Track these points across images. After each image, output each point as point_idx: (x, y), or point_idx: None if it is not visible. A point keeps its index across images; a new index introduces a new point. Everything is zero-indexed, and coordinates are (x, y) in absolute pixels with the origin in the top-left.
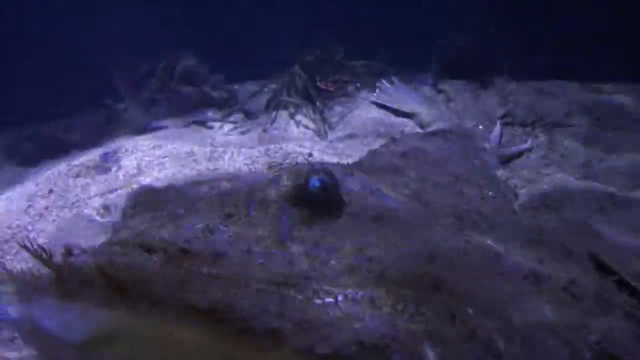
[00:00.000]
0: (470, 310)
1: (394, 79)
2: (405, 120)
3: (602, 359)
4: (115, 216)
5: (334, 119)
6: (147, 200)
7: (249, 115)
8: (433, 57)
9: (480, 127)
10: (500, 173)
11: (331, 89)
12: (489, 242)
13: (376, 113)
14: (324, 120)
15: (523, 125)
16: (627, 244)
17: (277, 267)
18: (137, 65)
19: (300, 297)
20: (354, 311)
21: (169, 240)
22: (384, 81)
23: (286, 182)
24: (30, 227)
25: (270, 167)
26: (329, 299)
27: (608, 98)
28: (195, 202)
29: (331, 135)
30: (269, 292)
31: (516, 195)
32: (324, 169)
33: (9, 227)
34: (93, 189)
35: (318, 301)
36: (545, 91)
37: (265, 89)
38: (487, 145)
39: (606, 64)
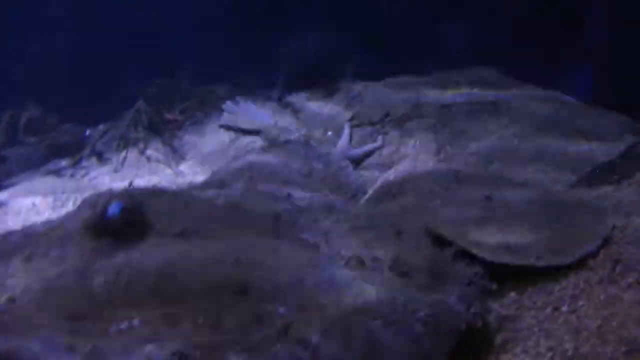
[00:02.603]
0: (281, 309)
1: (239, 99)
2: (254, 138)
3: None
4: None
5: (185, 148)
6: None
7: (101, 157)
8: (279, 71)
9: (330, 133)
10: (354, 172)
11: (179, 118)
12: (304, 236)
13: (225, 136)
14: (174, 151)
15: (372, 124)
16: (465, 213)
17: (75, 303)
18: None
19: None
20: (150, 336)
21: None
22: (229, 102)
23: (83, 215)
24: None
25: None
26: (123, 326)
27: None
28: None
29: (183, 165)
30: None
31: (364, 192)
32: (123, 193)
33: None
34: None
35: (114, 329)
36: (390, 88)
37: (113, 129)
38: (334, 149)
39: None
